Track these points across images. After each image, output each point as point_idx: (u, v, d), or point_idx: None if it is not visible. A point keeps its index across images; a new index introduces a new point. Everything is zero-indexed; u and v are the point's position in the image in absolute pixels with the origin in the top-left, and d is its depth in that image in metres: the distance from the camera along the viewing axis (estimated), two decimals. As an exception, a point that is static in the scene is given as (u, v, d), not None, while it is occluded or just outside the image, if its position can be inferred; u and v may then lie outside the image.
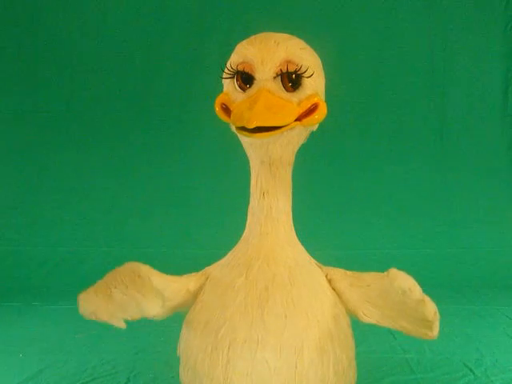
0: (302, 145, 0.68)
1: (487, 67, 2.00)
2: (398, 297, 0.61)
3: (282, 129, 0.61)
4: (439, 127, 2.00)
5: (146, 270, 0.63)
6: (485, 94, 2.00)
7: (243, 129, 0.59)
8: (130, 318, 0.62)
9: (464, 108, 2.00)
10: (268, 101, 0.59)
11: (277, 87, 0.62)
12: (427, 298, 0.59)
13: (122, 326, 0.62)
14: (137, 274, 0.61)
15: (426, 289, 0.59)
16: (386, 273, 0.62)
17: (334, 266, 0.72)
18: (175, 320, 0.73)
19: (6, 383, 1.06)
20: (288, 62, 0.62)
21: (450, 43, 1.99)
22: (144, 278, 0.61)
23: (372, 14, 2.00)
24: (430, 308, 0.60)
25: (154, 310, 0.62)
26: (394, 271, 0.61)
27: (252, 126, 0.57)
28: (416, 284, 0.59)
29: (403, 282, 0.59)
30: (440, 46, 1.99)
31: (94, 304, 0.62)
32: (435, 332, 0.62)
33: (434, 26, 1.99)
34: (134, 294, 0.61)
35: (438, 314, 0.60)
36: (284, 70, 0.62)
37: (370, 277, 0.66)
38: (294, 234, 0.70)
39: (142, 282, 0.61)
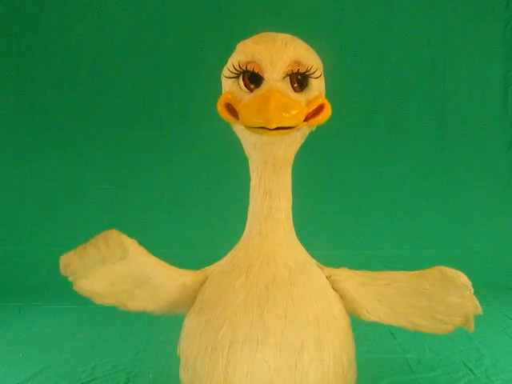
0: (303, 144, 0.68)
1: (487, 67, 2.00)
2: (445, 294, 0.66)
3: (293, 129, 0.62)
4: (439, 127, 2.00)
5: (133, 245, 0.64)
6: (485, 94, 2.00)
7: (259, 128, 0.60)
8: (92, 266, 0.64)
9: (464, 108, 2.00)
10: (279, 101, 0.60)
11: (285, 88, 0.62)
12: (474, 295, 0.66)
13: (85, 280, 0.65)
14: (109, 232, 0.62)
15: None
16: (432, 271, 0.66)
17: (334, 266, 0.72)
18: (175, 320, 0.73)
19: (5, 383, 1.06)
20: (297, 62, 0.62)
21: (449, 43, 1.99)
22: (114, 232, 0.62)
23: (372, 14, 2.00)
24: (477, 303, 0.66)
25: (116, 257, 0.63)
26: (449, 270, 0.66)
27: (273, 126, 0.58)
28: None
29: (465, 278, 0.65)
30: (440, 46, 1.99)
31: (69, 258, 0.64)
32: (472, 326, 0.68)
33: (433, 25, 1.99)
34: (101, 246, 0.62)
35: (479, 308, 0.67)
36: (294, 71, 0.62)
37: (392, 276, 0.69)
38: (294, 234, 0.70)
39: (112, 233, 0.62)
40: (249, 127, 0.62)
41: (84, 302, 0.71)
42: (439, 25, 1.99)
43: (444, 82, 1.99)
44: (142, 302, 0.69)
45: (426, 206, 1.98)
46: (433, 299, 0.67)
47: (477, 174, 1.98)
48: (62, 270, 0.64)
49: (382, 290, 0.69)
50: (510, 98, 1.99)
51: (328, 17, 1.98)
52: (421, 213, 1.97)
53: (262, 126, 0.59)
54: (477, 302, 0.66)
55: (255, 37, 0.65)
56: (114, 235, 0.62)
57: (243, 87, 0.64)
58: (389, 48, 2.00)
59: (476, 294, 0.66)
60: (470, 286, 0.65)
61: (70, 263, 0.63)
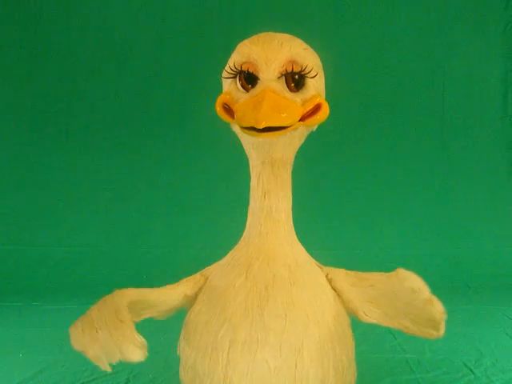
0: (303, 145, 0.68)
1: (487, 67, 2.00)
2: (405, 297, 0.62)
3: (288, 129, 0.61)
4: (439, 128, 2.00)
5: (133, 298, 0.61)
6: (485, 95, 2.00)
7: (251, 129, 0.59)
8: (113, 362, 0.56)
9: (464, 108, 2.00)
10: (273, 101, 0.59)
11: (281, 87, 0.62)
12: (435, 298, 0.61)
13: (108, 369, 0.57)
14: (120, 318, 0.57)
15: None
16: (393, 273, 0.63)
17: (334, 266, 0.72)
18: (175, 320, 0.73)
19: (5, 383, 1.06)
20: (292, 62, 0.62)
21: (450, 43, 1.99)
22: (125, 322, 0.57)
23: (372, 14, 2.00)
24: (438, 308, 0.61)
25: (135, 355, 0.56)
26: (402, 271, 0.62)
27: (261, 126, 0.57)
28: (425, 284, 0.61)
29: (413, 281, 0.61)
30: (440, 46, 1.99)
31: (82, 342, 0.58)
32: (441, 332, 0.63)
33: (433, 26, 1.99)
34: (116, 339, 0.56)
35: (445, 313, 0.61)
36: (289, 70, 0.62)
37: (374, 277, 0.67)
38: (294, 234, 0.70)
39: (124, 326, 0.57)
40: (242, 128, 0.61)
41: (84, 301, 0.70)
42: (439, 25, 1.99)
43: (444, 82, 2.00)
44: (148, 315, 0.69)
45: (426, 205, 1.98)
46: (406, 302, 0.64)
47: (477, 173, 1.98)
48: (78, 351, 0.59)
49: (368, 291, 0.67)
50: (510, 97, 1.99)
51: (328, 17, 1.99)
52: (420, 213, 1.97)
53: (253, 125, 0.58)
54: (439, 306, 0.60)
55: (254, 37, 0.65)
56: (123, 313, 0.57)
57: (240, 87, 0.64)
58: (389, 48, 2.00)
59: (475, 293, 0.65)
60: (424, 289, 0.60)
61: (88, 351, 0.57)
